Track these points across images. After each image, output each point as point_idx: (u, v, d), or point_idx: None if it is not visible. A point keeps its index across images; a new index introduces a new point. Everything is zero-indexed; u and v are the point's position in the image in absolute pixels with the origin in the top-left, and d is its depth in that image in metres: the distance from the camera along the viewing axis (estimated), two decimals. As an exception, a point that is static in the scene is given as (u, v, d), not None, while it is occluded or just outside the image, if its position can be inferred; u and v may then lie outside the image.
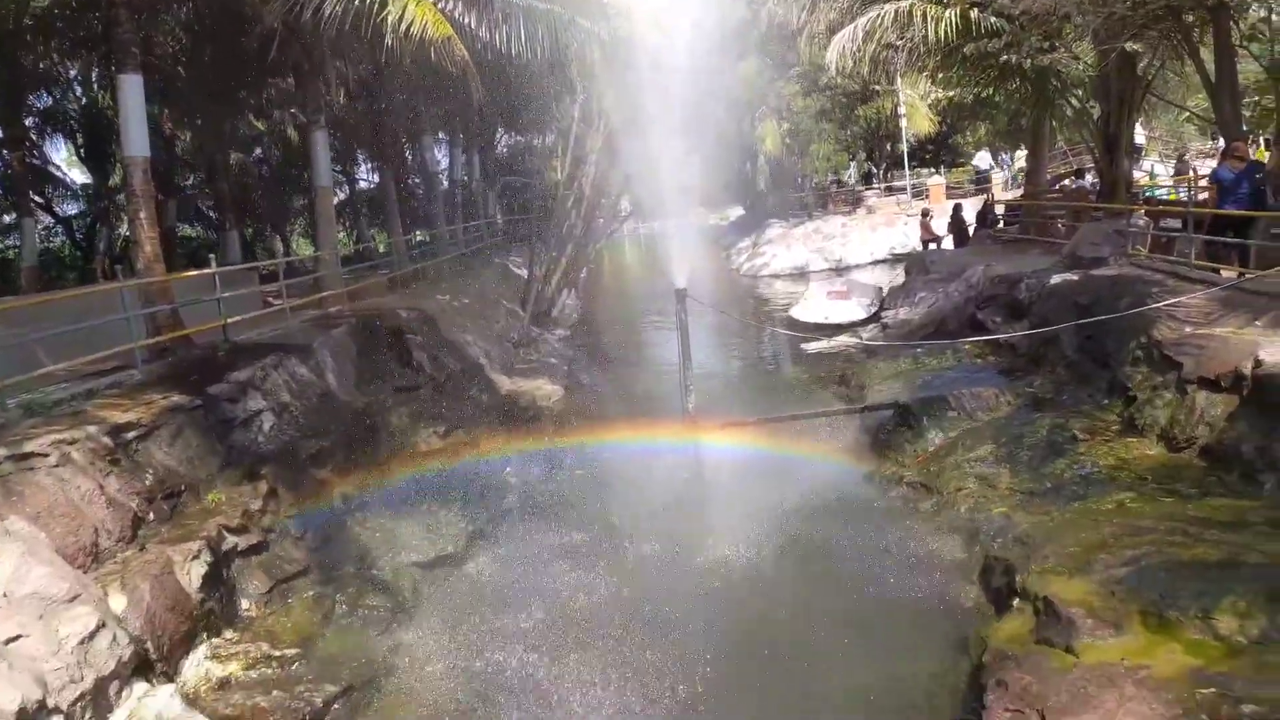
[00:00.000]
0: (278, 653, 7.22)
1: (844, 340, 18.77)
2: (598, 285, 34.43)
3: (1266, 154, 15.15)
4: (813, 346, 19.08)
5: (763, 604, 8.16)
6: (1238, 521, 6.89)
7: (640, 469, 11.67)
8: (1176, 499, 7.64)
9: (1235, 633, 5.45)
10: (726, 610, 8.04)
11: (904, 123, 38.72)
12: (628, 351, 22.57)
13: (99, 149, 26.61)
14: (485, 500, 10.92)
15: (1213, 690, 4.91)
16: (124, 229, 21.67)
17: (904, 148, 40.99)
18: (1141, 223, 15.49)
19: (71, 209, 31.94)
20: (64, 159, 33.38)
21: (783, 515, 9.89)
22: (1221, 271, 11.95)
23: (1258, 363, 8.21)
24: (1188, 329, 9.80)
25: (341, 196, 36.16)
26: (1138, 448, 8.93)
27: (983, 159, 39.93)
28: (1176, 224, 15.02)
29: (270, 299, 16.34)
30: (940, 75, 20.66)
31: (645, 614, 8.00)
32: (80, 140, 27.52)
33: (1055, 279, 13.43)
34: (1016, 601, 6.82)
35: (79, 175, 32.93)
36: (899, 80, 34.92)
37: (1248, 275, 11.28)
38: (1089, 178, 20.83)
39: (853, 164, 46.35)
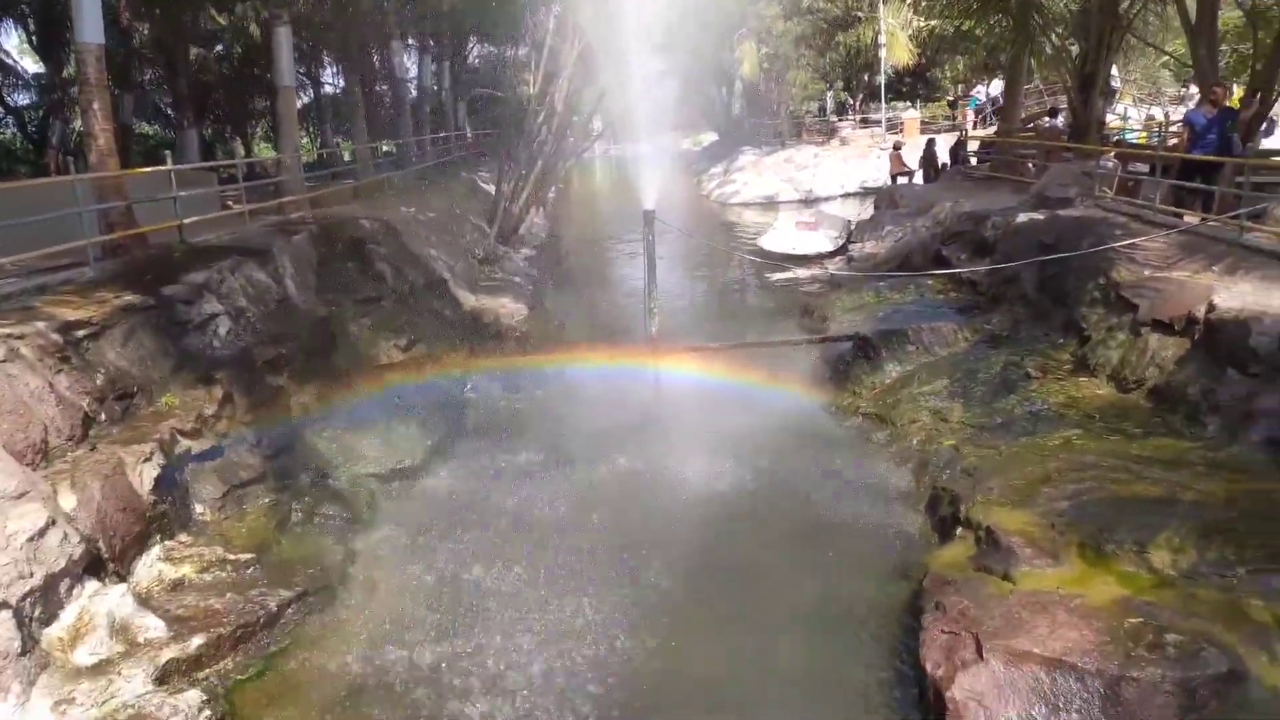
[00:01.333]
0: (232, 557, 7.23)
1: (810, 271, 18.78)
2: (566, 206, 34.01)
3: (1239, 100, 15.14)
4: (779, 276, 19.10)
5: (716, 524, 8.30)
6: (1178, 461, 7.10)
7: (601, 392, 11.70)
8: (1122, 437, 7.84)
9: (1167, 566, 5.65)
10: (681, 529, 8.16)
11: (883, 53, 38.10)
12: (594, 273, 22.44)
13: (52, 37, 25.39)
14: (445, 416, 10.92)
15: (1140, 619, 5.11)
16: (78, 122, 20.80)
17: (881, 79, 40.46)
18: (1110, 165, 15.54)
19: (23, 100, 30.64)
20: (15, 46, 31.93)
21: (740, 441, 10.01)
22: (1185, 217, 12.07)
23: (1211, 307, 8.36)
24: (1146, 272, 9.93)
25: (305, 100, 35.06)
26: (1088, 387, 9.11)
27: (980, 91, 39.12)
28: (1145, 168, 15.09)
29: (229, 202, 15.92)
30: (923, 3, 20.31)
31: (600, 530, 8.14)
32: (32, 27, 26.26)
33: (1021, 218, 13.49)
34: (960, 530, 7.01)
35: (31, 64, 31.53)
36: (881, 7, 34.33)
37: (1208, 220, 11.41)
38: (1062, 118, 20.74)
39: (829, 94, 45.79)
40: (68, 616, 5.90)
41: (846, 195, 34.07)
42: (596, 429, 10.60)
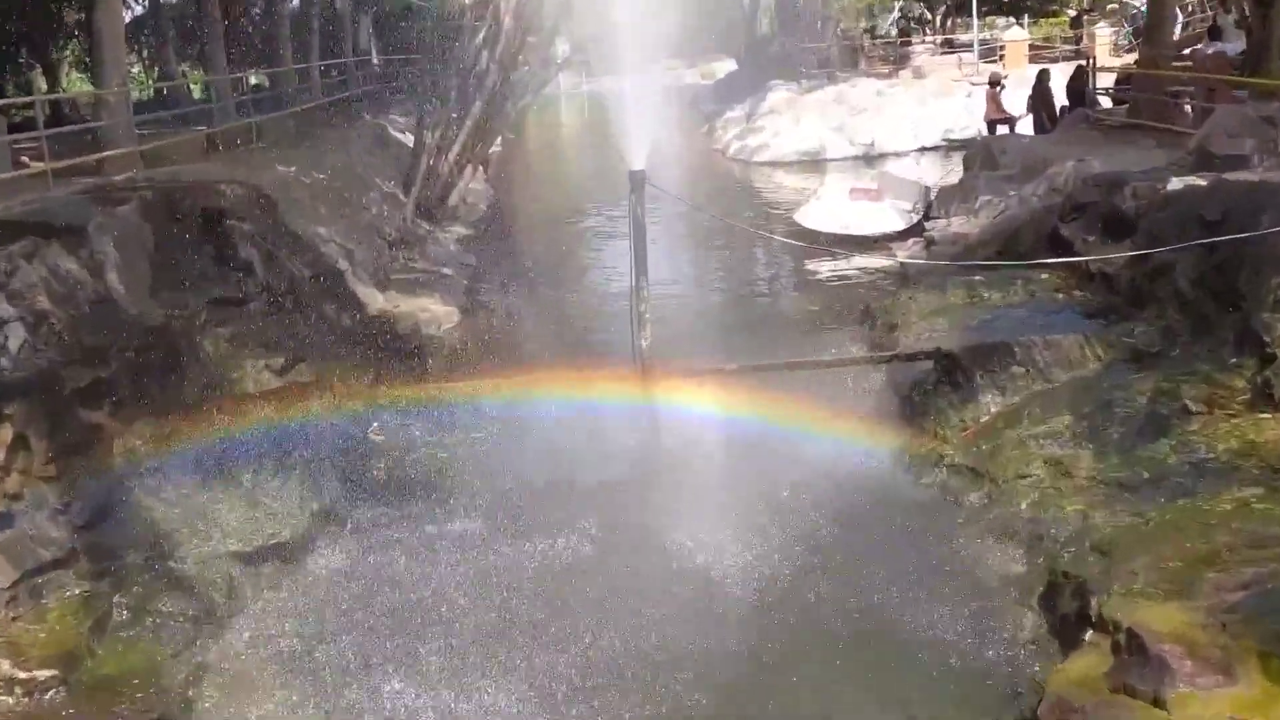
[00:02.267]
0: (24, 675, 7.20)
1: (871, 259, 18.89)
2: (518, 164, 34.21)
3: None
4: (826, 267, 19.21)
5: (738, 627, 8.30)
6: (1402, 534, 7.14)
7: (568, 433, 11.74)
8: (1321, 500, 7.89)
9: (1386, 685, 5.68)
10: (685, 632, 8.15)
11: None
12: (556, 263, 22.53)
13: None
14: (339, 468, 10.92)
15: (1351, 762, 5.13)
16: None
17: (973, -16, 40.96)
18: (1304, 108, 15.70)
19: None
20: None
21: (772, 506, 10.07)
22: None
23: None
24: (1356, 263, 10.02)
25: (139, 10, 35.21)
26: (1273, 427, 9.15)
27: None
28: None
29: (24, 157, 15.93)
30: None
31: (565, 633, 8.14)
32: None
33: (1174, 184, 13.60)
34: (1090, 634, 7.01)
35: None
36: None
37: None
38: (1231, 41, 20.97)
39: (898, 5, 46.25)
40: None
41: (923, 149, 34.38)
42: (560, 488, 10.64)
